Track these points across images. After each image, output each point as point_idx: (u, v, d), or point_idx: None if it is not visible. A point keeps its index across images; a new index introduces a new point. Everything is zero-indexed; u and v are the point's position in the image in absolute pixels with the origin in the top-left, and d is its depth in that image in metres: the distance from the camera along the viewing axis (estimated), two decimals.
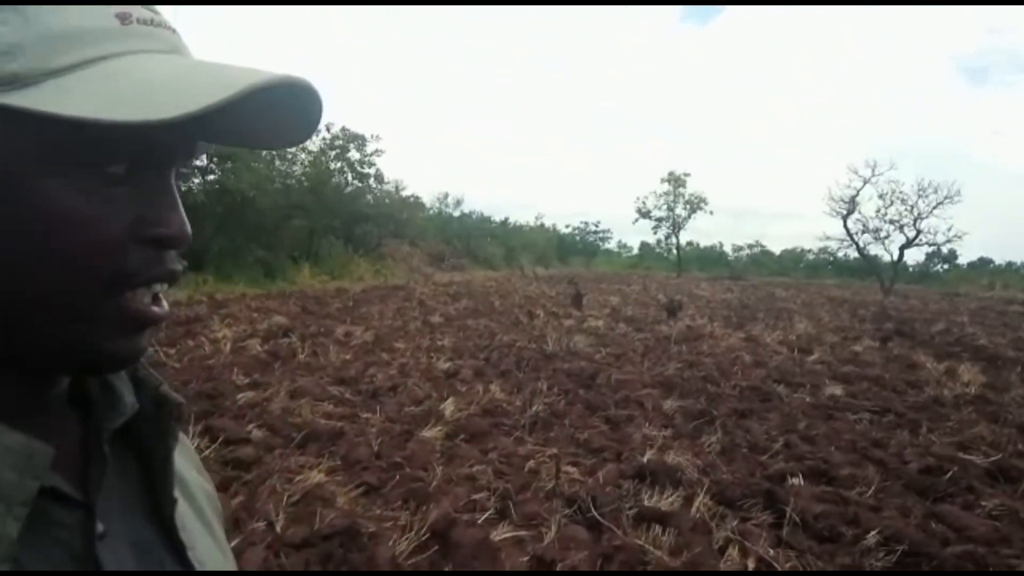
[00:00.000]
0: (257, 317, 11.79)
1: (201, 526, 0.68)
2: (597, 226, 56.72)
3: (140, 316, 0.53)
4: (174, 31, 0.55)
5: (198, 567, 0.61)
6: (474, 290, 21.12)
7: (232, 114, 0.54)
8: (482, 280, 26.95)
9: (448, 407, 6.16)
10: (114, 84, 0.47)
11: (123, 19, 0.50)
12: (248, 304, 13.82)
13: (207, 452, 4.71)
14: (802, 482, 4.81)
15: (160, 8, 0.55)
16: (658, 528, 3.87)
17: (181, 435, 0.75)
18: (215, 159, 20.20)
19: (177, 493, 0.63)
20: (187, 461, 0.73)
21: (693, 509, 4.19)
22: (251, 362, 7.91)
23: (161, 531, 0.61)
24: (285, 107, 0.56)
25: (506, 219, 45.03)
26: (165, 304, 0.57)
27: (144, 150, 0.52)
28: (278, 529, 3.58)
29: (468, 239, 37.49)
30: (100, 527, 0.54)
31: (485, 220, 42.40)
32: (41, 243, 0.48)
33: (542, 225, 51.31)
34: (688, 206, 45.96)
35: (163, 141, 0.53)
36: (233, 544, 3.29)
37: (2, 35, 0.46)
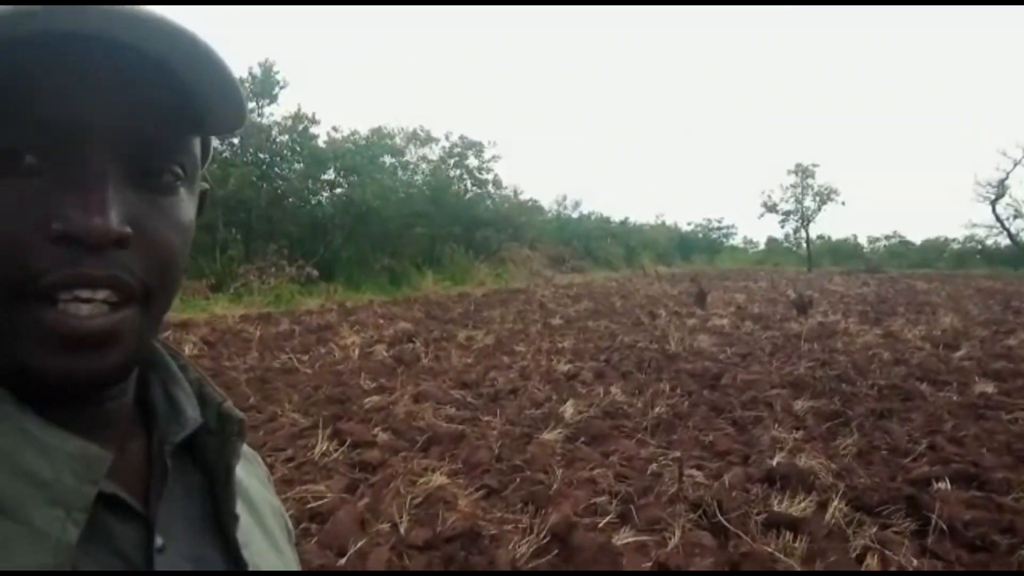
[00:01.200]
0: (383, 323, 12.18)
1: (267, 544, 0.67)
2: (720, 222, 55.21)
3: (61, 328, 0.47)
4: None
5: None
6: (594, 291, 21.00)
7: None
8: (602, 281, 26.76)
9: (568, 409, 6.13)
10: None
11: None
12: (375, 311, 14.30)
13: (336, 455, 4.90)
14: (949, 487, 4.45)
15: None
16: (789, 535, 3.69)
17: (251, 451, 0.76)
18: (341, 172, 21.08)
19: (242, 509, 0.63)
20: (254, 476, 0.73)
21: (828, 515, 3.97)
22: (377, 367, 8.17)
23: (224, 547, 0.60)
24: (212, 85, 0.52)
25: (626, 219, 44.52)
26: (119, 316, 0.50)
27: (59, 136, 0.47)
28: (402, 531, 3.66)
29: (587, 240, 37.33)
30: (159, 540, 0.54)
31: (604, 220, 42.07)
32: None
33: (663, 223, 50.45)
34: (818, 198, 43.92)
35: (82, 125, 0.48)
36: (358, 545, 3.41)
37: None
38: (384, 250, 21.19)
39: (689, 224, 54.40)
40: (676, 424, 5.95)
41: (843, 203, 45.39)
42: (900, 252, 47.48)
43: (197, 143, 0.57)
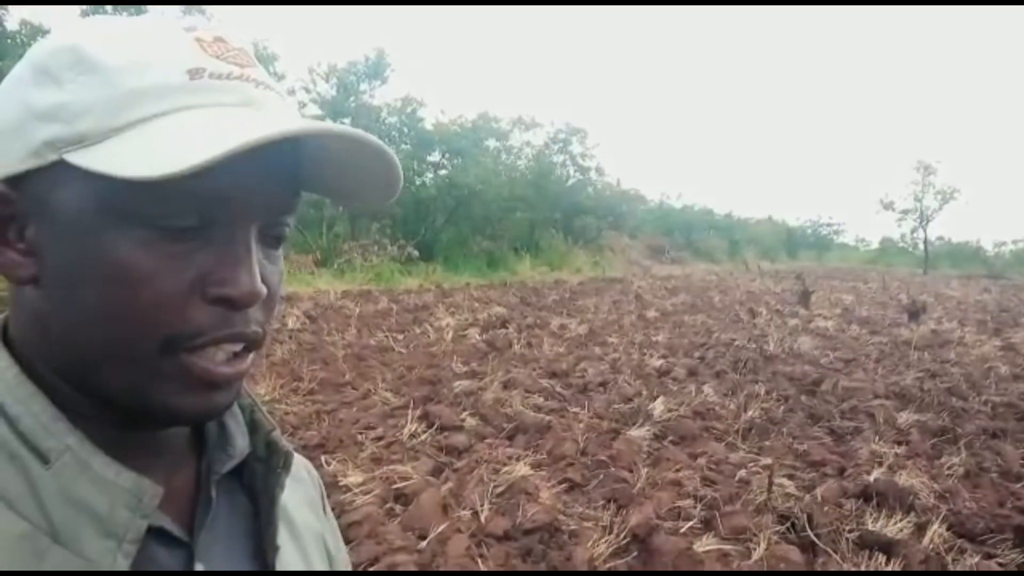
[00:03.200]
0: (478, 307, 12.32)
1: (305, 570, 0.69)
2: (831, 219, 52.96)
3: (205, 376, 0.52)
4: (260, 84, 0.54)
5: None
6: (693, 284, 20.60)
7: (317, 166, 0.57)
8: (702, 274, 26.19)
9: (658, 407, 6.03)
10: (144, 140, 0.47)
11: (193, 75, 0.50)
12: (471, 294, 14.48)
13: (423, 436, 5.00)
14: None
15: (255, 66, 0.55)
16: (882, 557, 3.53)
17: (308, 469, 0.77)
18: (446, 154, 21.41)
19: (284, 538, 0.65)
20: (302, 498, 0.74)
21: (926, 539, 3.76)
22: (469, 351, 8.28)
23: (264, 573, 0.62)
24: (368, 162, 0.56)
25: (730, 212, 43.35)
26: (246, 363, 0.55)
27: (213, 205, 0.50)
28: (482, 519, 3.70)
29: (689, 232, 36.60)
30: (199, 567, 0.56)
31: (708, 212, 41.13)
32: (102, 296, 0.50)
33: (769, 218, 48.89)
34: (939, 196, 41.43)
35: (235, 195, 0.51)
36: (439, 530, 3.47)
37: (80, 96, 0.48)
38: (484, 233, 21.42)
39: (797, 219, 52.48)
40: (769, 430, 5.76)
41: (966, 202, 42.72)
42: None
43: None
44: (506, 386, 6.58)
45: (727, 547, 3.62)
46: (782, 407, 6.49)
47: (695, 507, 4.07)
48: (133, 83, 0.49)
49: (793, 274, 24.94)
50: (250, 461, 0.65)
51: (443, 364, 7.48)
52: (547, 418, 5.56)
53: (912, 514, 4.09)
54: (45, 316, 0.52)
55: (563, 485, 4.29)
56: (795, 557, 3.55)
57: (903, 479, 4.59)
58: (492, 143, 23.69)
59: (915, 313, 13.68)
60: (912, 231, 44.08)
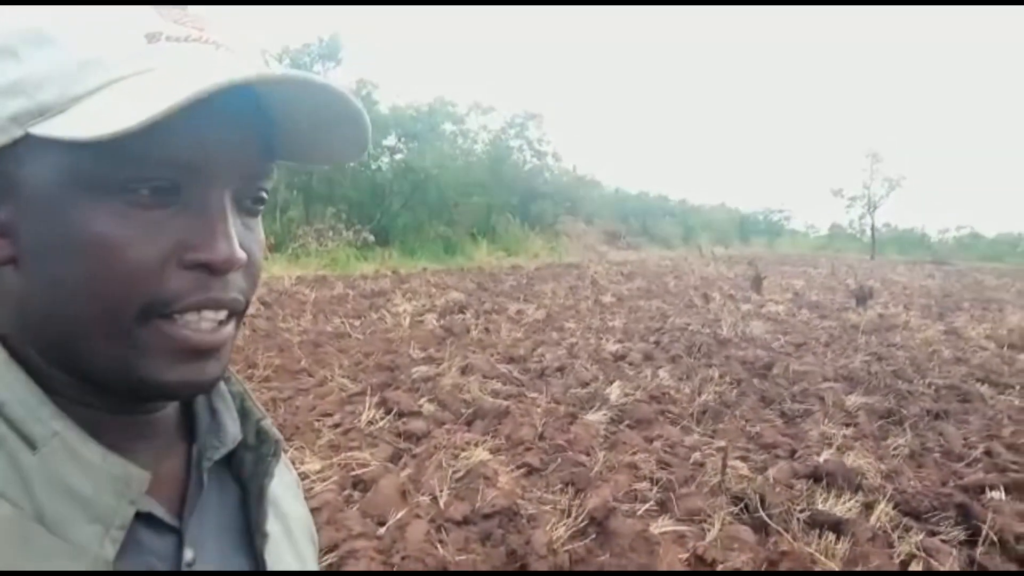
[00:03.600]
0: (435, 292, 12.29)
1: (295, 559, 0.69)
2: (782, 207, 53.92)
3: (187, 344, 0.52)
4: (221, 46, 0.53)
5: None
6: (648, 270, 20.81)
7: (290, 132, 0.56)
8: (657, 260, 26.46)
9: (614, 391, 6.10)
10: (102, 104, 0.47)
11: (151, 39, 0.50)
12: (428, 279, 14.43)
13: (382, 423, 4.98)
14: (1004, 496, 4.32)
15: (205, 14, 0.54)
16: (831, 536, 3.63)
17: (287, 464, 0.77)
18: (402, 138, 21.22)
19: (273, 525, 0.65)
20: (286, 486, 0.74)
21: (873, 518, 3.88)
22: (427, 337, 8.26)
23: (254, 561, 0.62)
24: (334, 114, 0.55)
25: (684, 199, 43.87)
26: (228, 330, 0.55)
27: (183, 171, 0.50)
28: (441, 504, 3.71)
29: (645, 218, 36.93)
30: (189, 554, 0.56)
31: (663, 199, 41.57)
32: (77, 270, 0.49)
33: (723, 204, 49.58)
34: (886, 183, 42.48)
35: (205, 160, 0.51)
36: (398, 516, 3.47)
37: (39, 67, 0.48)
38: (440, 218, 21.32)
39: (749, 207, 53.32)
40: (723, 413, 5.88)
41: (911, 189, 43.79)
42: (970, 244, 45.80)
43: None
44: (464, 372, 6.58)
45: (682, 528, 3.69)
46: (735, 390, 6.62)
47: (651, 489, 4.14)
48: (91, 50, 0.48)
49: (746, 260, 25.41)
50: (240, 449, 0.64)
51: (401, 350, 7.45)
52: (505, 403, 5.58)
53: (860, 493, 4.21)
54: (26, 297, 0.52)
55: (522, 469, 4.32)
56: (747, 537, 3.64)
57: (851, 460, 4.73)
58: (448, 127, 23.54)
59: (863, 298, 14.04)
60: (860, 217, 45.23)
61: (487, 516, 3.60)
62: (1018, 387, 7.31)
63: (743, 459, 4.76)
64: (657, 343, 8.83)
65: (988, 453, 5.18)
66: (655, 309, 12.01)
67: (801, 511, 3.91)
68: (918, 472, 4.76)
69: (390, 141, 21.36)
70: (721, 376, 7.05)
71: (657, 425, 5.46)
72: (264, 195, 0.58)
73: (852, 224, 46.94)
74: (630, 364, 7.50)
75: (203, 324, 0.52)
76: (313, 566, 0.74)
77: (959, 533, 3.80)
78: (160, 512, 0.56)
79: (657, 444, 4.99)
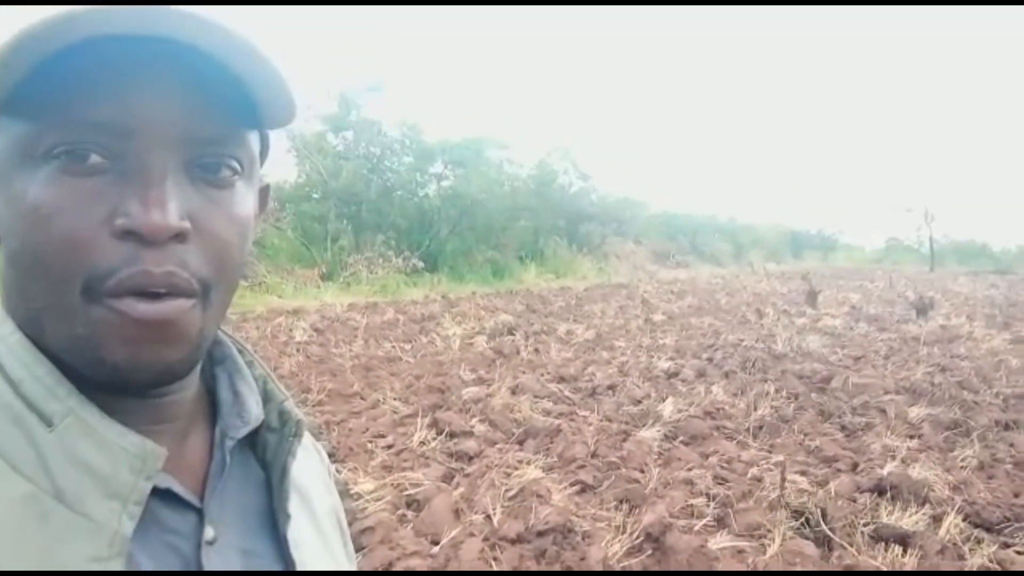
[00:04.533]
0: (485, 315, 12.31)
1: (320, 543, 0.68)
2: (834, 224, 52.70)
3: (127, 320, 0.49)
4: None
5: None
6: (699, 288, 20.56)
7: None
8: (708, 277, 26.13)
9: (667, 408, 6.01)
10: (16, 65, 0.46)
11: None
12: (477, 303, 14.48)
13: (433, 443, 4.99)
14: None
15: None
16: (898, 549, 3.51)
17: (317, 448, 0.77)
18: (448, 165, 21.46)
19: (296, 507, 0.64)
20: (314, 473, 0.74)
21: (942, 530, 3.74)
22: (477, 359, 8.28)
23: (276, 543, 0.62)
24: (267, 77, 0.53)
25: (733, 217, 43.32)
26: (175, 306, 0.50)
27: (118, 135, 0.49)
28: (495, 523, 3.69)
29: (694, 236, 36.54)
30: (210, 532, 0.56)
31: (711, 217, 41.11)
32: (24, 243, 0.49)
33: (774, 222, 48.77)
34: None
35: (139, 123, 0.49)
36: (452, 535, 3.46)
37: None
38: (488, 242, 21.42)
39: (801, 224, 52.33)
40: (780, 427, 5.74)
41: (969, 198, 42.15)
42: None
43: (254, 138, 0.58)
44: (514, 392, 6.56)
45: (741, 543, 3.60)
46: (792, 405, 6.46)
47: (708, 505, 4.06)
48: (21, 27, 0.47)
49: (799, 275, 24.87)
50: (263, 432, 0.65)
51: (451, 372, 7.48)
52: (556, 422, 5.54)
53: (927, 506, 4.07)
54: (6, 278, 0.53)
55: (575, 487, 4.28)
56: (810, 551, 3.53)
57: (916, 472, 4.56)
58: (494, 153, 23.73)
59: (923, 309, 13.62)
60: (918, 229, 43.92)
61: (541, 533, 3.57)
62: None
63: (802, 473, 4.63)
64: (710, 359, 8.69)
65: None
66: (707, 326, 11.84)
67: (865, 524, 3.78)
68: (988, 483, 4.57)
69: (437, 168, 21.60)
70: (777, 391, 6.90)
71: (712, 441, 5.35)
72: (235, 164, 0.55)
73: (910, 237, 45.66)
74: (683, 381, 7.40)
75: (144, 304, 0.49)
76: (339, 552, 0.73)
77: None
78: (180, 489, 0.55)
79: (713, 460, 4.89)
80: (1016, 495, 4.37)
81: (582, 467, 4.59)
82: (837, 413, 6.23)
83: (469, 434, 5.25)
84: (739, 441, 5.38)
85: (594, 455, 4.86)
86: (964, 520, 3.88)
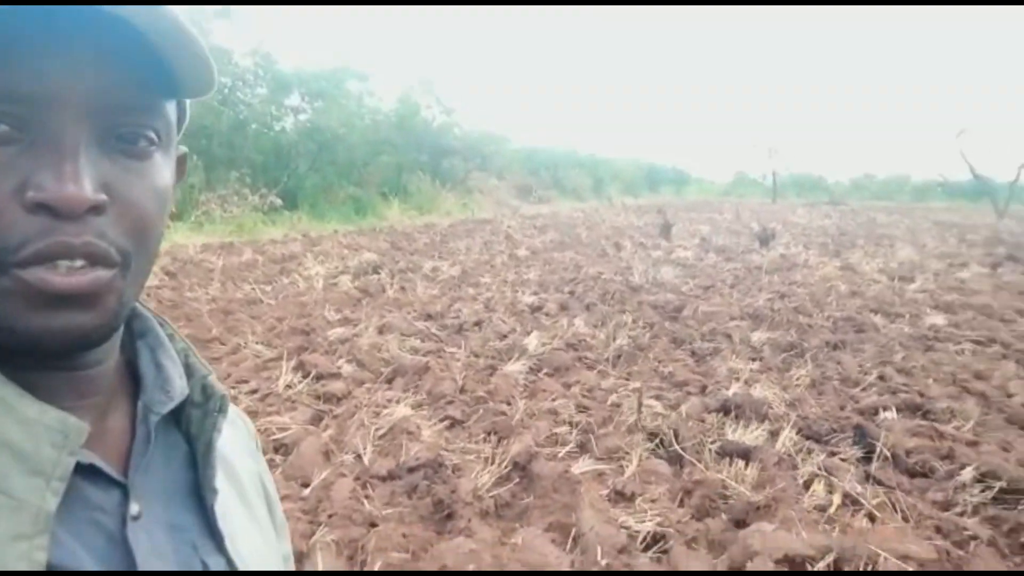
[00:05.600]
0: (348, 254, 12.10)
1: (246, 515, 0.69)
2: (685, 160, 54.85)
3: (42, 286, 0.48)
4: None
5: (236, 558, 0.62)
6: (561, 222, 21.00)
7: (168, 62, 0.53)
8: (569, 212, 26.73)
9: (532, 341, 6.20)
10: None
11: None
12: (340, 241, 14.18)
13: (300, 387, 4.93)
14: (895, 416, 4.65)
15: None
16: (741, 463, 3.83)
17: (242, 417, 0.78)
18: (306, 98, 20.55)
19: (222, 480, 0.64)
20: (239, 444, 0.74)
21: (778, 444, 4.12)
22: (342, 298, 8.16)
23: (203, 516, 0.62)
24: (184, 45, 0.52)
25: (592, 153, 44.20)
26: (91, 276, 0.50)
27: (26, 104, 0.48)
28: (366, 462, 3.73)
29: (555, 171, 37.08)
30: (135, 508, 0.56)
31: (571, 152, 41.77)
32: None
33: (632, 156, 50.26)
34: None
35: (46, 91, 0.48)
36: (323, 476, 3.47)
37: None
38: (349, 178, 20.88)
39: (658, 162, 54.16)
40: (637, 356, 6.07)
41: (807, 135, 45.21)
42: (863, 185, 48.03)
43: (171, 108, 0.57)
44: (381, 331, 6.55)
45: (602, 466, 3.83)
46: (648, 334, 6.83)
47: (571, 432, 4.27)
48: None
49: (655, 208, 25.93)
50: (187, 406, 0.64)
51: (315, 313, 7.35)
52: (425, 359, 5.60)
53: (766, 422, 4.45)
54: None
55: (444, 423, 4.37)
56: (664, 470, 3.81)
57: (757, 392, 4.98)
58: (354, 85, 22.93)
59: (765, 240, 14.61)
60: (762, 164, 46.59)
61: (412, 469, 3.64)
62: (907, 315, 7.80)
63: (657, 398, 4.94)
64: (572, 293, 8.99)
65: (881, 378, 5.54)
66: (569, 260, 12.18)
67: (712, 442, 4.10)
68: (819, 399, 5.06)
69: (293, 101, 20.64)
70: (634, 321, 7.25)
71: (575, 371, 5.59)
72: (152, 135, 0.54)
73: (755, 171, 48.43)
74: (547, 315, 7.62)
75: (61, 269, 0.49)
76: (265, 521, 0.73)
77: (856, 452, 4.08)
78: (103, 465, 0.55)
79: (575, 389, 5.12)
80: (842, 408, 4.87)
81: (451, 403, 4.68)
82: (688, 340, 6.64)
83: (336, 375, 5.22)
84: (599, 370, 5.65)
85: (462, 390, 4.97)
86: (798, 433, 4.29)
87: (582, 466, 3.79)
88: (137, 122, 0.53)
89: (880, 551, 2.82)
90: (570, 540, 3.07)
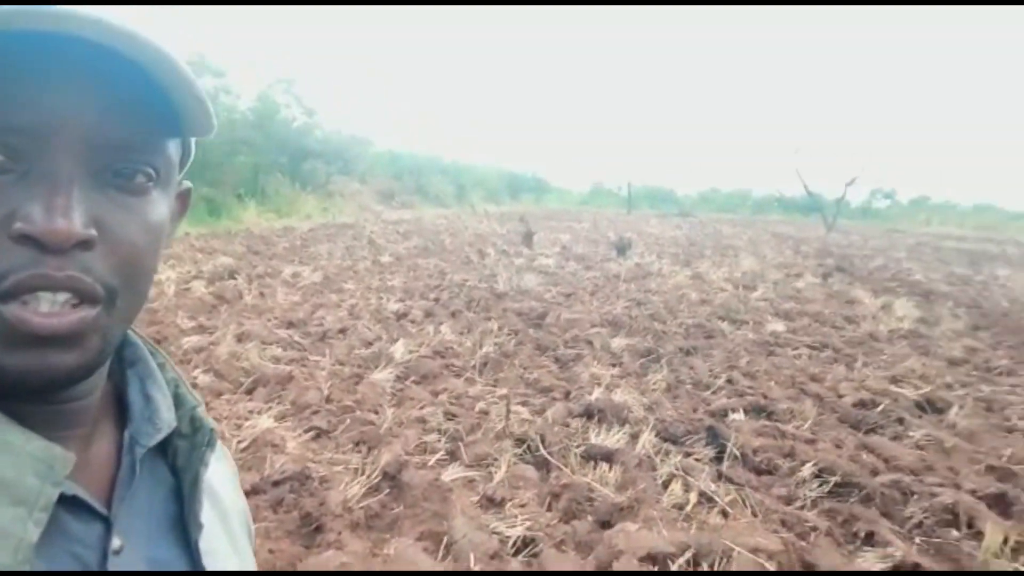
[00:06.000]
0: (201, 258, 11.56)
1: (231, 550, 0.67)
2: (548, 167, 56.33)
3: (22, 326, 0.47)
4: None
5: None
6: (424, 228, 20.97)
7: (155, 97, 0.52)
8: (432, 218, 26.70)
9: (398, 349, 6.16)
10: None
11: None
12: (192, 244, 13.50)
13: None
14: (743, 417, 4.98)
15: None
16: (605, 465, 3.97)
17: (224, 448, 0.75)
18: None
19: (209, 513, 0.63)
20: (224, 476, 0.73)
21: (639, 446, 4.31)
22: (196, 305, 7.78)
23: (187, 550, 0.60)
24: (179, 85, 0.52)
25: (455, 160, 44.48)
26: (78, 316, 0.49)
27: (19, 137, 0.47)
28: None
29: (418, 176, 36.98)
30: (116, 542, 0.54)
31: (435, 158, 41.82)
32: None
33: (493, 163, 50.88)
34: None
35: (48, 127, 0.48)
36: None
37: None
38: (203, 178, 19.86)
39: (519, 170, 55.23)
40: (503, 362, 6.16)
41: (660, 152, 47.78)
42: (710, 198, 51.02)
43: (173, 144, 0.56)
44: (240, 339, 6.31)
45: (472, 473, 3.87)
46: (513, 340, 6.94)
47: (440, 440, 4.28)
48: None
49: (516, 216, 26.36)
50: (174, 438, 0.62)
51: (167, 320, 6.96)
52: (287, 368, 5.44)
53: (627, 425, 4.64)
54: None
55: (310, 433, 4.27)
56: (531, 475, 3.90)
57: (618, 396, 5.19)
58: (209, 81, 21.90)
59: (622, 249, 15.21)
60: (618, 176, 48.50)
61: (277, 483, 3.53)
62: (751, 322, 8.36)
63: (524, 404, 5.04)
64: (437, 300, 8.99)
65: (729, 381, 5.91)
66: (433, 267, 12.18)
67: (577, 446, 4.23)
68: (674, 403, 5.32)
69: None
70: (499, 328, 7.36)
71: (442, 379, 5.61)
72: (150, 171, 0.53)
73: (611, 183, 50.36)
74: (412, 322, 7.60)
75: (41, 307, 0.48)
76: (250, 558, 0.72)
77: (709, 452, 4.33)
78: (87, 497, 0.53)
79: (443, 397, 5.14)
80: (695, 411, 5.15)
81: (316, 412, 4.58)
82: (552, 347, 6.82)
83: (193, 386, 4.96)
84: (467, 378, 5.70)
85: (328, 400, 4.87)
86: (656, 436, 4.50)
87: (452, 473, 3.81)
88: (135, 159, 0.53)
89: (733, 545, 3.02)
90: (442, 548, 3.09)
